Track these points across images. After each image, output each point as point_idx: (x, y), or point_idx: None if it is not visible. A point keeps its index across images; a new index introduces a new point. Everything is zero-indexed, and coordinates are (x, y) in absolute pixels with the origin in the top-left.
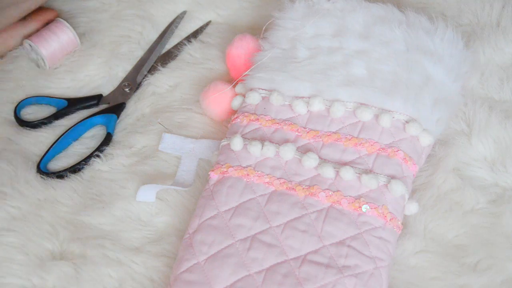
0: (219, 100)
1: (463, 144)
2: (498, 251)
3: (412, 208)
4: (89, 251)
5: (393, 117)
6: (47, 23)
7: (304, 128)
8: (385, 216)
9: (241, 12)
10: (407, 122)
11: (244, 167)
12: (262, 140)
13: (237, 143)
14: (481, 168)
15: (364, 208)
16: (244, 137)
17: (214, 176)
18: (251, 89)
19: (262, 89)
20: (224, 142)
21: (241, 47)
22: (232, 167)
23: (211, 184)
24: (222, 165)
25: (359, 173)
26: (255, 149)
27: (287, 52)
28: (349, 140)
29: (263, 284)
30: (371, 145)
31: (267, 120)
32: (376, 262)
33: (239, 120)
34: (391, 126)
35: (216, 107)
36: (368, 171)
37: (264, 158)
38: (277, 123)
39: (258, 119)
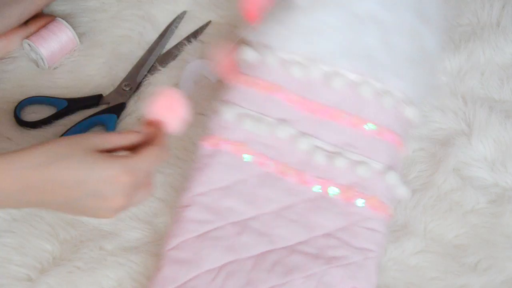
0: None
1: (463, 144)
2: (498, 251)
3: (402, 192)
4: (89, 252)
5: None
6: None
7: (302, 97)
8: (376, 205)
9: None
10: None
11: (236, 142)
12: (257, 111)
13: (229, 112)
14: (481, 168)
15: (358, 201)
16: (238, 105)
17: (207, 147)
18: (248, 44)
19: (261, 45)
20: (217, 108)
21: None
22: (224, 140)
23: (203, 156)
24: (215, 135)
25: (350, 161)
26: (249, 123)
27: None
28: (345, 118)
29: (252, 270)
30: (364, 122)
31: (262, 84)
32: (365, 253)
33: (235, 83)
34: (392, 107)
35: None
36: (360, 159)
37: (257, 134)
38: (273, 89)
39: (254, 82)
